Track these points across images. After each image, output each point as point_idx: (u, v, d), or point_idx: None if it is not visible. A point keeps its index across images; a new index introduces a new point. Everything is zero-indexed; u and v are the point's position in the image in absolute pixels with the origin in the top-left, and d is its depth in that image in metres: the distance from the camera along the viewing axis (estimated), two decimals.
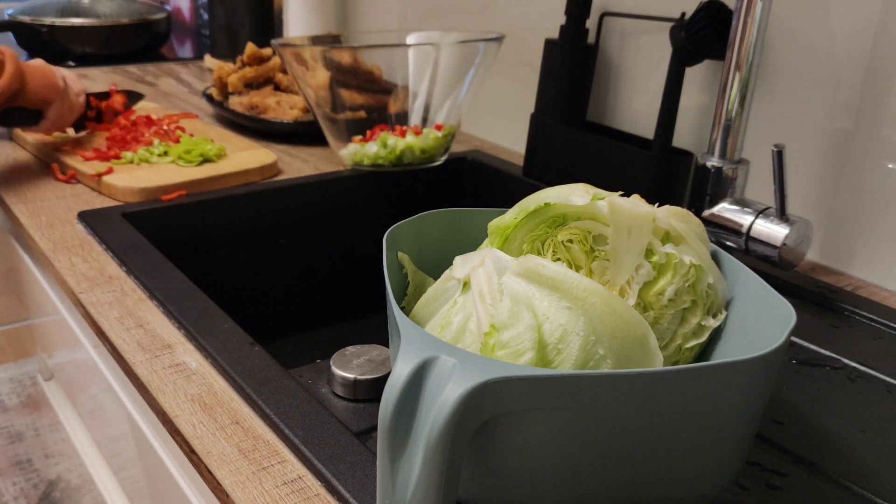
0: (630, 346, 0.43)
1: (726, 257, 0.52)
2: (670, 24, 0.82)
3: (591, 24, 0.94)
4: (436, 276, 0.53)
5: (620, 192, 0.53)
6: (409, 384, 0.38)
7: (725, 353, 0.50)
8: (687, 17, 0.80)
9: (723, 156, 0.75)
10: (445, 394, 0.36)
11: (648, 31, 0.93)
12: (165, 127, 1.07)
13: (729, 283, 0.51)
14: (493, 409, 0.37)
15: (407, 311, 0.54)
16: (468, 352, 0.38)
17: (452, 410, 0.36)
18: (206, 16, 1.79)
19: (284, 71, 1.24)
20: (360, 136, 1.00)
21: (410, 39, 1.07)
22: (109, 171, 0.92)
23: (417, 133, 0.99)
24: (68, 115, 0.97)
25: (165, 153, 0.99)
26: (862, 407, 0.59)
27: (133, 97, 1.12)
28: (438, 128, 1.00)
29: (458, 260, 0.51)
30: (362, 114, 1.02)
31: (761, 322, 0.47)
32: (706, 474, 0.42)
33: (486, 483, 0.42)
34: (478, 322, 0.46)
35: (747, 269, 0.50)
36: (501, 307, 0.45)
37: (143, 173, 0.93)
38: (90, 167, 0.93)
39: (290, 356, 0.95)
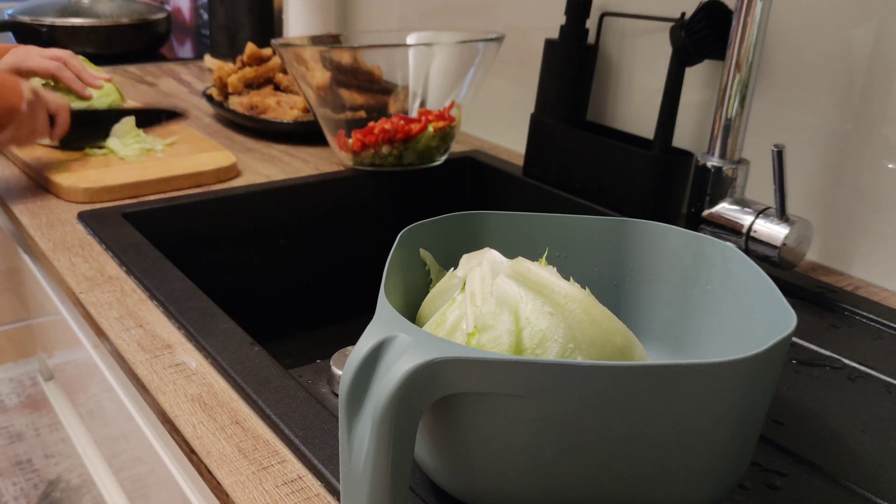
0: (609, 357, 0.43)
1: (738, 255, 0.51)
2: (670, 24, 0.82)
3: (591, 24, 0.94)
4: None
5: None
6: (368, 358, 0.39)
7: (722, 351, 0.49)
8: (687, 17, 0.80)
9: (723, 156, 0.75)
10: (394, 369, 0.37)
11: (648, 31, 0.93)
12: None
13: (738, 280, 0.50)
14: (445, 388, 0.38)
15: None
16: (428, 332, 0.39)
17: (398, 385, 0.37)
18: (206, 16, 1.79)
19: (284, 71, 1.24)
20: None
21: (410, 39, 1.07)
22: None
23: None
24: (28, 137, 0.89)
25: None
26: (862, 407, 0.59)
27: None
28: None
29: (464, 258, 0.51)
30: (362, 114, 1.02)
31: (761, 324, 0.46)
32: (694, 478, 0.41)
33: (457, 470, 0.42)
34: (467, 322, 0.46)
35: (759, 269, 0.49)
36: (485, 309, 0.45)
37: (93, 173, 0.92)
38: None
39: (290, 356, 0.95)
